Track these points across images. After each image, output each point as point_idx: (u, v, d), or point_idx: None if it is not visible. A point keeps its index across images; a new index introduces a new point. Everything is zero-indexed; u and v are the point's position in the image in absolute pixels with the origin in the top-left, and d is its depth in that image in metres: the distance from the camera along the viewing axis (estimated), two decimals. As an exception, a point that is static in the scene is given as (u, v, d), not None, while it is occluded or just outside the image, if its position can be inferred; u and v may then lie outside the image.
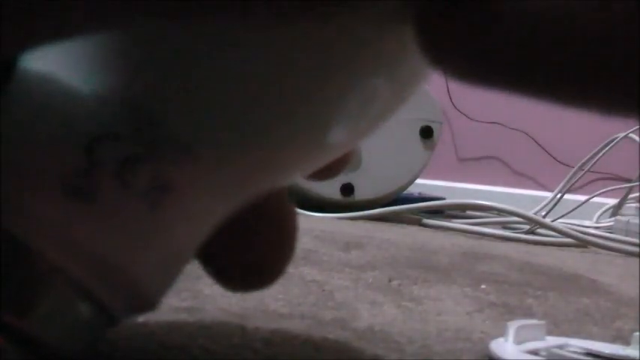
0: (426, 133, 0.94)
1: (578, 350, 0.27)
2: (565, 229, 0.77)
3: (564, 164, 1.45)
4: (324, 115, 0.16)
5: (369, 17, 0.14)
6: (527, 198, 1.45)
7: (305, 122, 0.16)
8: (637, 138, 1.19)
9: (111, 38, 0.15)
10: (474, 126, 1.60)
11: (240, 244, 0.19)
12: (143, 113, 0.15)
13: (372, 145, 0.91)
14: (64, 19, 0.12)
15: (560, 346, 0.27)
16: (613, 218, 1.02)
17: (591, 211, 1.15)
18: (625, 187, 1.15)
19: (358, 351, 0.25)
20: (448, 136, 1.61)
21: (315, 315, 0.30)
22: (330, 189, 0.90)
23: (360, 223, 0.81)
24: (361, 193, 0.91)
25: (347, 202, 0.90)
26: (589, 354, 0.27)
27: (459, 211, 0.97)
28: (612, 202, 1.17)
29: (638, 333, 0.28)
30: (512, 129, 1.58)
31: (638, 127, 1.16)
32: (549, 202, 1.13)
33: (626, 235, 0.82)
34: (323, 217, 0.82)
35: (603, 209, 1.17)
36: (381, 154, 0.92)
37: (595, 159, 1.19)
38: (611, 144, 1.18)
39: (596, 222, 1.10)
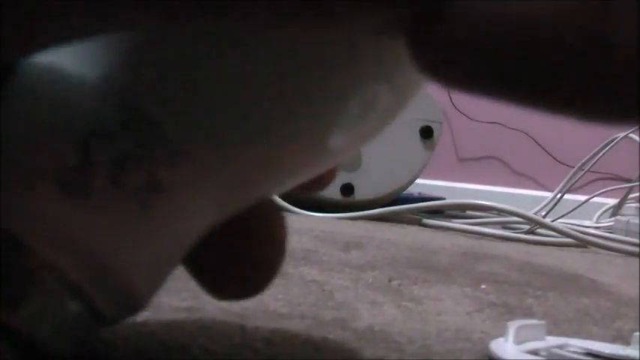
0: (426, 133, 0.94)
1: (578, 350, 0.27)
2: (565, 229, 0.77)
3: (564, 164, 1.45)
4: (322, 120, 0.16)
5: (365, 25, 0.14)
6: (527, 198, 1.45)
7: (302, 127, 0.16)
8: (637, 138, 1.19)
9: (109, 38, 0.15)
10: (474, 126, 1.60)
11: (229, 254, 0.19)
12: (138, 113, 0.15)
13: (372, 145, 0.91)
14: (65, 23, 0.12)
15: (560, 346, 0.27)
16: (613, 218, 1.02)
17: (591, 211, 1.15)
18: (625, 187, 1.15)
19: (358, 351, 0.25)
20: (448, 136, 1.61)
21: (315, 315, 0.30)
22: (330, 189, 0.90)
23: (360, 223, 0.81)
24: (361, 193, 0.91)
25: (347, 202, 0.90)
26: (589, 354, 0.27)
27: (459, 211, 0.98)
28: (612, 202, 1.17)
29: (638, 333, 0.28)
30: (512, 129, 1.58)
31: (638, 127, 1.16)
32: (549, 202, 1.13)
33: (626, 235, 0.82)
34: (323, 217, 0.82)
35: (603, 209, 1.17)
36: (381, 154, 0.92)
37: (595, 159, 1.19)
38: (611, 144, 1.18)
39: (596, 222, 1.10)
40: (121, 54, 0.15)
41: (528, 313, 0.36)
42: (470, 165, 1.66)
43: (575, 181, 1.18)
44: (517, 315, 0.35)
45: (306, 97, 0.16)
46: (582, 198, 1.15)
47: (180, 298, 0.29)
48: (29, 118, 0.15)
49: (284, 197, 0.81)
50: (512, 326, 0.26)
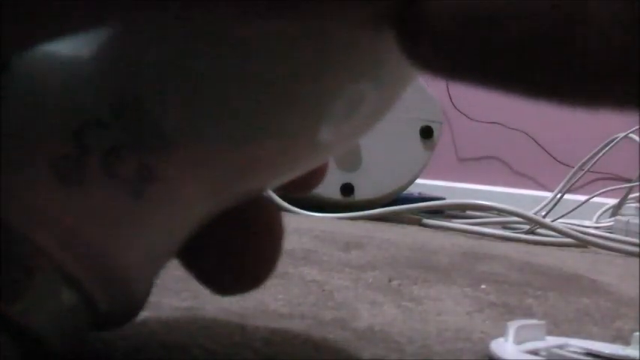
0: (426, 133, 0.94)
1: (578, 350, 0.27)
2: (565, 229, 0.77)
3: (564, 164, 1.45)
4: (311, 116, 0.16)
5: (353, 20, 0.14)
6: (527, 198, 1.45)
7: (291, 122, 0.16)
8: (637, 138, 1.19)
9: (104, 30, 0.15)
10: (474, 126, 1.60)
11: (225, 248, 0.19)
12: (131, 103, 0.15)
13: (372, 145, 0.91)
14: (64, 17, 0.12)
15: (560, 346, 0.27)
16: (613, 218, 1.02)
17: (591, 211, 1.15)
18: (625, 187, 1.15)
19: (358, 351, 0.25)
20: (448, 136, 1.61)
21: (315, 315, 0.30)
22: (330, 189, 0.90)
23: (360, 223, 0.81)
24: (361, 193, 0.91)
25: (347, 202, 0.90)
26: (589, 354, 0.27)
27: (459, 211, 0.97)
28: (612, 202, 1.17)
29: (638, 333, 0.28)
30: (512, 129, 1.58)
31: (638, 127, 1.16)
32: (549, 202, 1.13)
33: (626, 235, 0.82)
34: (323, 217, 0.82)
35: (603, 209, 1.17)
36: (381, 154, 0.92)
37: (595, 159, 1.19)
38: (611, 144, 1.18)
39: (596, 222, 1.10)
40: (114, 44, 0.15)
41: (528, 313, 0.36)
42: (470, 165, 1.66)
43: (575, 181, 1.18)
44: (517, 315, 0.35)
45: (294, 94, 0.16)
46: (582, 198, 1.15)
47: (180, 298, 0.29)
48: (23, 108, 0.15)
49: (284, 197, 0.81)
50: (512, 326, 0.26)
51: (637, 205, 1.02)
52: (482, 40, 0.11)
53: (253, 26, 0.14)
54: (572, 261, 0.63)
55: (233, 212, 0.18)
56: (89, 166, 0.15)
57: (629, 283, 0.50)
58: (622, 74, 0.10)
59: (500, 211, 0.84)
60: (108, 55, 0.15)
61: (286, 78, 0.15)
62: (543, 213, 1.03)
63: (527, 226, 0.86)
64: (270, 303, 0.31)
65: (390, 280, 0.40)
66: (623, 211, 1.09)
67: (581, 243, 0.76)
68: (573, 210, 1.09)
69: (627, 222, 0.89)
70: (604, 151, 1.19)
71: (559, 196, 1.12)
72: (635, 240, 0.75)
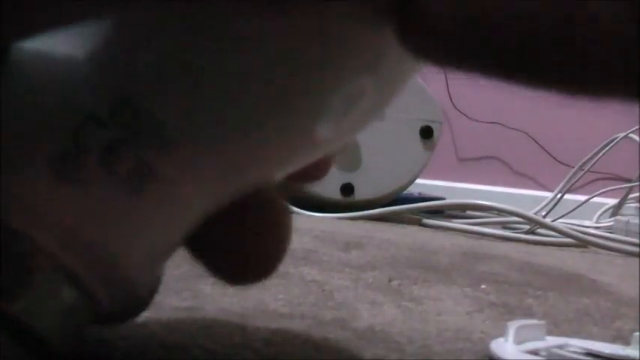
0: (426, 133, 0.94)
1: (578, 350, 0.27)
2: (565, 229, 0.77)
3: (564, 164, 1.44)
4: (311, 112, 0.16)
5: (352, 14, 0.14)
6: (527, 198, 1.45)
7: (291, 118, 0.16)
8: (637, 138, 1.19)
9: (100, 25, 0.15)
10: (474, 126, 1.60)
11: (232, 237, 0.19)
12: (129, 100, 0.15)
13: (372, 145, 0.91)
14: (63, 6, 0.12)
15: (560, 346, 0.27)
16: (613, 218, 1.02)
17: (591, 211, 1.15)
18: (625, 187, 1.15)
19: (358, 351, 0.25)
20: (448, 136, 1.61)
21: (315, 315, 0.30)
22: (330, 189, 0.90)
23: (360, 223, 0.81)
24: (361, 193, 0.91)
25: (347, 202, 0.90)
26: (589, 354, 0.27)
27: (459, 211, 0.97)
28: (612, 202, 1.17)
29: (638, 333, 0.28)
30: (512, 129, 1.58)
31: (638, 127, 1.16)
32: (549, 202, 1.13)
33: (626, 235, 0.82)
34: (323, 217, 0.82)
35: (603, 209, 1.17)
36: (381, 154, 0.92)
37: (595, 159, 1.19)
38: (611, 144, 1.18)
39: (596, 222, 1.10)
40: (112, 42, 0.15)
41: (528, 313, 0.36)
42: (470, 165, 1.66)
43: (575, 181, 1.17)
44: (517, 315, 0.35)
45: (294, 90, 0.16)
46: (582, 198, 1.15)
47: (180, 298, 0.29)
48: (21, 107, 0.15)
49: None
50: (512, 326, 0.26)
51: (637, 205, 1.02)
52: (482, 40, 0.11)
53: (253, 22, 0.14)
54: (572, 261, 0.63)
55: (241, 202, 0.18)
56: (88, 164, 0.15)
57: (629, 283, 0.50)
58: (622, 74, 0.11)
59: (500, 211, 0.84)
60: (105, 54, 0.15)
61: (287, 74, 0.15)
62: (543, 213, 1.03)
63: (527, 226, 0.86)
64: (271, 303, 0.31)
65: (390, 280, 0.40)
66: (623, 211, 1.09)
67: (581, 243, 0.76)
68: (573, 210, 1.09)
69: (627, 222, 0.89)
70: (604, 151, 1.19)
71: (559, 196, 1.12)
72: (635, 240, 0.75)
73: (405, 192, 0.97)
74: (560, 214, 1.00)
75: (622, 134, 1.18)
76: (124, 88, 0.15)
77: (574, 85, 0.11)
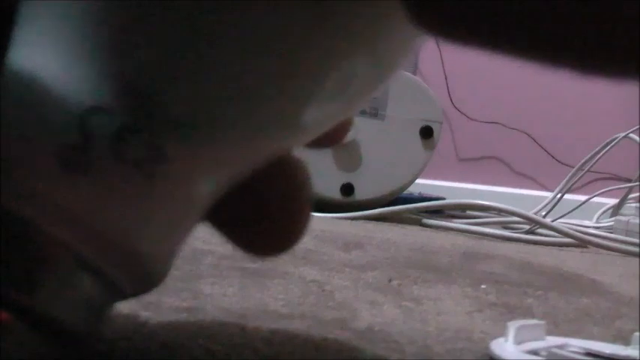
0: (426, 133, 0.94)
1: (578, 350, 0.27)
2: (565, 229, 0.77)
3: (564, 164, 1.45)
4: (304, 89, 0.16)
5: None
6: (527, 198, 1.45)
7: (296, 96, 0.16)
8: (637, 138, 1.19)
9: (108, 13, 0.15)
10: (474, 126, 1.60)
11: (254, 208, 0.19)
12: (136, 87, 0.15)
13: (372, 145, 0.91)
14: None
15: (560, 346, 0.27)
16: (613, 218, 1.02)
17: (591, 211, 1.15)
18: (625, 187, 1.15)
19: (358, 351, 0.25)
20: (448, 136, 1.61)
21: (315, 315, 0.30)
22: (330, 189, 0.90)
23: (360, 223, 0.81)
24: (361, 193, 0.91)
25: (347, 202, 0.90)
26: (589, 354, 0.27)
27: (459, 211, 0.98)
28: (612, 202, 1.17)
29: (638, 333, 0.28)
30: (512, 129, 1.58)
31: (638, 127, 1.16)
32: (549, 202, 1.13)
33: (626, 235, 0.82)
34: (323, 217, 0.82)
35: (603, 209, 1.17)
36: (381, 154, 0.92)
37: (595, 159, 1.19)
38: (611, 144, 1.18)
39: (596, 222, 1.10)
40: (118, 28, 0.15)
41: (528, 313, 0.36)
42: (470, 165, 1.66)
43: (575, 181, 1.17)
44: (517, 315, 0.35)
45: (300, 67, 0.16)
46: (582, 198, 1.15)
47: (180, 298, 0.29)
48: (27, 98, 0.15)
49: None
50: (512, 326, 0.26)
51: (637, 205, 1.02)
52: (488, 16, 0.11)
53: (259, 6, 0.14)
54: (572, 261, 0.63)
55: (262, 174, 0.18)
56: (97, 153, 0.15)
57: (629, 283, 0.50)
58: (623, 50, 0.10)
59: (501, 211, 0.84)
60: (109, 39, 0.15)
61: (293, 51, 0.15)
62: (543, 213, 1.03)
63: (527, 226, 0.86)
64: (271, 303, 0.31)
65: (390, 280, 0.40)
66: (623, 211, 1.09)
67: (581, 243, 0.76)
68: (573, 210, 1.09)
69: (627, 222, 0.89)
70: (604, 151, 1.19)
71: (559, 196, 1.12)
72: (635, 240, 0.76)
73: (405, 192, 0.97)
74: (560, 214, 1.00)
75: (622, 134, 1.18)
76: (129, 75, 0.15)
77: (586, 60, 0.11)
